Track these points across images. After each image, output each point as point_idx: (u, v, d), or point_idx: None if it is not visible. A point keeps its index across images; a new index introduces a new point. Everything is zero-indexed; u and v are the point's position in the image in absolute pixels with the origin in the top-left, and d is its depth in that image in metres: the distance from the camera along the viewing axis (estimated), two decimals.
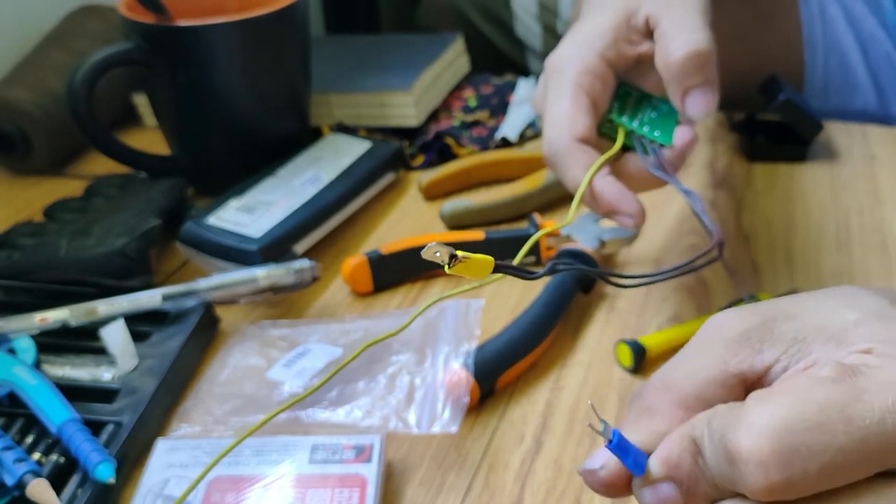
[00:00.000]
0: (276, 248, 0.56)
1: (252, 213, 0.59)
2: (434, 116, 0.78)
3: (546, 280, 0.53)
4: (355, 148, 0.68)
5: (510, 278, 0.56)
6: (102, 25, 0.78)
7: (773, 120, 0.71)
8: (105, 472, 0.40)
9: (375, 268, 0.56)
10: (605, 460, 0.28)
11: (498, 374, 0.47)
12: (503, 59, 0.99)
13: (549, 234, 0.58)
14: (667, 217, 0.64)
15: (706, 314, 0.52)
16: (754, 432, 0.23)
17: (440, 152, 0.73)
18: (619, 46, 0.48)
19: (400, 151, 0.69)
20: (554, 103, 0.47)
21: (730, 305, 0.50)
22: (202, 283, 0.52)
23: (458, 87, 0.83)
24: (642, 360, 0.49)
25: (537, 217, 0.59)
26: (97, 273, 0.53)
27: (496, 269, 0.31)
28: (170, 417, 0.47)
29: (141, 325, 0.51)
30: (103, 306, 0.50)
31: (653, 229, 0.62)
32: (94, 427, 0.43)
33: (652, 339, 0.49)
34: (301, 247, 0.59)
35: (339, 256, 0.61)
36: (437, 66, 0.78)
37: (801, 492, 0.23)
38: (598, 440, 0.44)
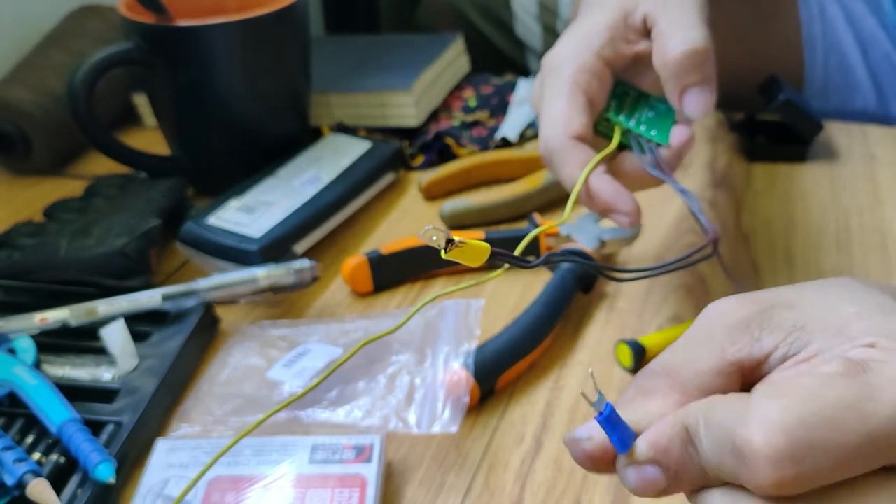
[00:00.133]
0: (276, 248, 0.56)
1: (252, 213, 0.59)
2: (434, 116, 0.78)
3: (546, 280, 0.53)
4: (355, 148, 0.68)
5: (510, 278, 0.57)
6: (102, 25, 0.78)
7: (773, 120, 0.71)
8: (105, 472, 0.40)
9: (375, 268, 0.56)
10: (592, 432, 0.28)
11: (498, 374, 0.47)
12: (503, 59, 0.99)
13: (549, 234, 0.58)
14: (666, 216, 0.64)
15: None
16: (768, 427, 0.23)
17: (440, 152, 0.73)
18: (617, 45, 0.48)
19: (400, 151, 0.69)
20: (551, 102, 0.47)
21: None
22: (202, 283, 0.52)
23: (458, 87, 0.83)
24: (642, 360, 0.49)
25: (537, 217, 0.59)
26: (97, 273, 0.53)
27: (492, 256, 0.31)
28: (170, 417, 0.47)
29: (141, 325, 0.51)
30: (103, 306, 0.50)
31: (652, 229, 0.62)
32: (94, 427, 0.43)
33: (652, 339, 0.49)
34: (301, 247, 0.59)
35: (339, 256, 0.61)
36: (437, 66, 0.78)
37: (808, 487, 0.24)
38: None
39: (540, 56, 0.96)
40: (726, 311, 0.28)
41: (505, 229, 0.62)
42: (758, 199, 0.66)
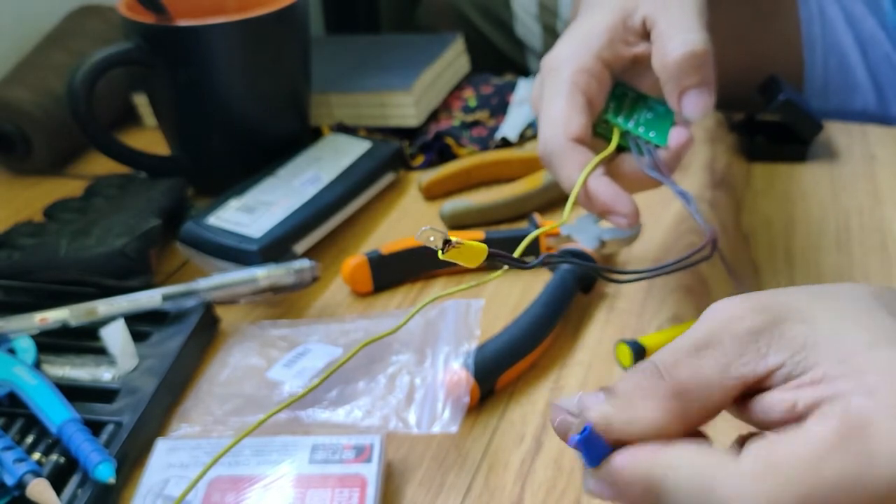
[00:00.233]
0: (276, 248, 0.56)
1: (252, 213, 0.59)
2: (434, 116, 0.78)
3: (546, 280, 0.53)
4: (355, 148, 0.68)
5: (510, 279, 0.57)
6: (102, 25, 0.78)
7: (773, 120, 0.71)
8: (105, 472, 0.40)
9: (375, 268, 0.56)
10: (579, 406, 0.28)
11: (498, 374, 0.47)
12: (503, 59, 0.99)
13: (549, 234, 0.58)
14: (666, 217, 0.64)
15: None
16: None
17: (440, 152, 0.73)
18: (616, 47, 0.48)
19: (400, 151, 0.69)
20: (550, 102, 0.47)
21: None
22: (202, 283, 0.52)
23: (458, 87, 0.83)
24: (642, 360, 0.49)
25: (537, 217, 0.59)
26: (97, 273, 0.53)
27: (489, 257, 0.31)
28: (170, 417, 0.47)
29: (141, 325, 0.51)
30: (103, 306, 0.50)
31: (652, 229, 0.62)
32: (94, 427, 0.43)
33: (652, 339, 0.49)
34: (301, 247, 0.59)
35: (339, 256, 0.61)
36: (437, 66, 0.78)
37: None
38: None
39: (540, 56, 0.96)
40: (736, 314, 0.27)
41: (505, 229, 0.62)
42: (758, 199, 0.66)
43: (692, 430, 0.28)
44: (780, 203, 0.65)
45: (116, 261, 0.53)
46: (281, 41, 0.65)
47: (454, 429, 0.43)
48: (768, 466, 0.24)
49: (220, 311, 0.55)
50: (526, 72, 0.97)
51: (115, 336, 0.48)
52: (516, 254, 0.42)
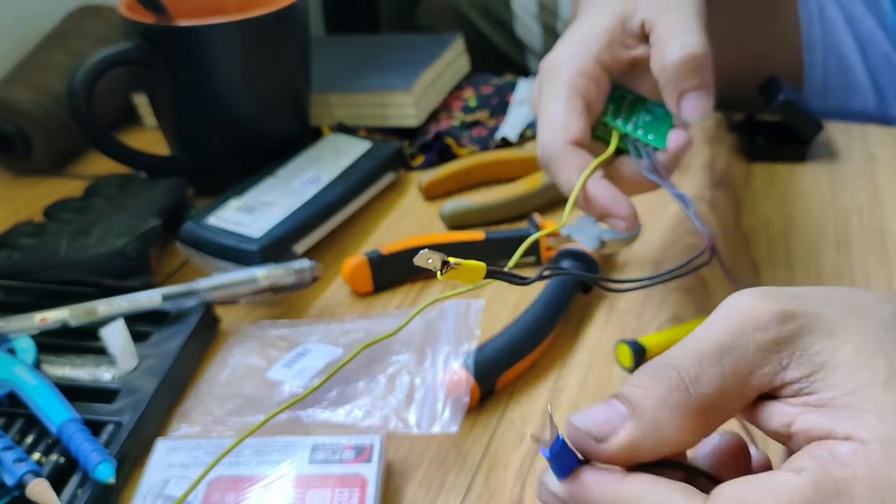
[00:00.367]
0: (276, 248, 0.56)
1: (252, 213, 0.59)
2: (434, 116, 0.78)
3: (546, 280, 0.53)
4: (355, 148, 0.68)
5: None
6: (102, 25, 0.78)
7: (773, 120, 0.71)
8: (105, 472, 0.40)
9: (375, 268, 0.56)
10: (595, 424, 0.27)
11: (498, 374, 0.47)
12: (503, 59, 0.99)
13: (549, 235, 0.58)
14: (666, 217, 0.64)
15: (705, 314, 0.52)
16: None
17: (440, 152, 0.73)
18: (614, 49, 0.48)
19: (400, 151, 0.69)
20: (548, 105, 0.47)
21: None
22: (202, 283, 0.52)
23: (458, 87, 0.83)
24: (642, 360, 0.49)
25: (537, 217, 0.59)
26: (97, 273, 0.53)
27: (488, 275, 0.31)
28: (170, 417, 0.47)
29: (141, 325, 0.51)
30: (103, 306, 0.50)
31: (652, 230, 0.62)
32: (94, 427, 0.43)
33: (652, 339, 0.49)
34: (301, 247, 0.59)
35: (339, 256, 0.61)
36: (437, 66, 0.78)
37: None
38: None
39: (540, 56, 0.96)
40: (762, 325, 0.26)
41: (505, 229, 0.62)
42: (757, 200, 0.66)
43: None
44: (779, 203, 0.65)
45: (116, 261, 0.53)
46: (281, 41, 0.65)
47: (454, 429, 0.43)
48: None
49: (220, 311, 0.55)
50: (526, 72, 0.97)
51: (115, 336, 0.48)
52: (514, 259, 0.42)
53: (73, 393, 0.45)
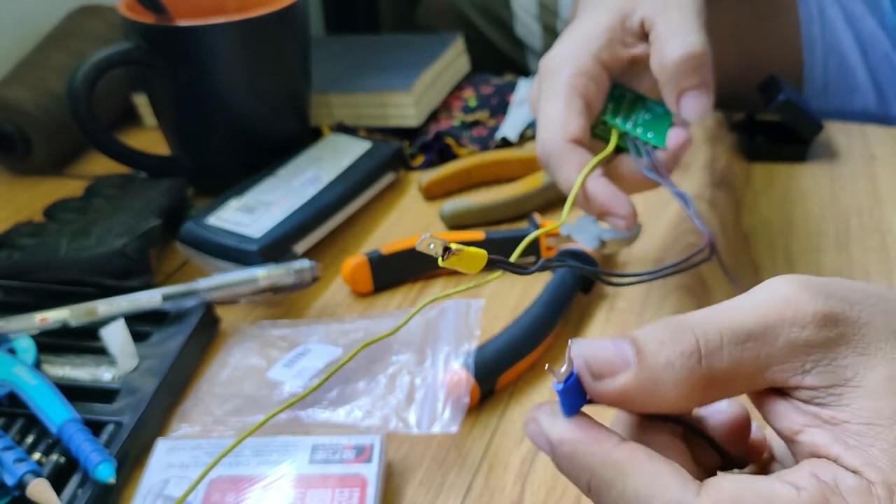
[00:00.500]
0: (276, 248, 0.56)
1: (252, 213, 0.59)
2: (434, 116, 0.78)
3: (546, 280, 0.53)
4: (355, 148, 0.68)
5: (510, 279, 0.57)
6: (102, 25, 0.78)
7: (773, 120, 0.71)
8: (105, 472, 0.40)
9: (375, 268, 0.56)
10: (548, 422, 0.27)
11: (498, 374, 0.47)
12: (503, 59, 0.99)
13: (549, 234, 0.58)
14: (666, 217, 0.64)
15: None
16: None
17: (440, 152, 0.73)
18: (614, 48, 0.48)
19: (400, 151, 0.69)
20: (548, 104, 0.48)
21: None
22: (202, 283, 0.52)
23: (458, 87, 0.83)
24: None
25: (537, 217, 0.59)
26: (97, 273, 0.53)
27: (489, 263, 0.31)
28: (170, 417, 0.47)
29: (141, 325, 0.51)
30: (103, 306, 0.50)
31: (652, 229, 0.62)
32: (95, 427, 0.43)
33: None
34: (301, 247, 0.59)
35: (339, 256, 0.61)
36: (437, 66, 0.78)
37: None
38: None
39: (540, 56, 0.96)
40: (801, 322, 0.25)
41: (505, 229, 0.62)
42: (757, 199, 0.66)
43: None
44: (779, 203, 0.65)
45: (116, 261, 0.53)
46: (281, 41, 0.65)
47: (454, 429, 0.43)
48: None
49: (220, 311, 0.55)
50: (526, 72, 0.97)
51: (115, 336, 0.48)
52: (514, 255, 0.42)
53: (74, 393, 0.45)
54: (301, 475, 0.40)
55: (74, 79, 0.60)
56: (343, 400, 0.46)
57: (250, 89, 0.65)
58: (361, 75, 0.77)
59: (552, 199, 0.65)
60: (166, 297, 0.51)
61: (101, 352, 0.49)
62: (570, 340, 0.27)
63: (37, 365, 0.47)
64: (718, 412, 0.30)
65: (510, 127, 0.76)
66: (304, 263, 0.53)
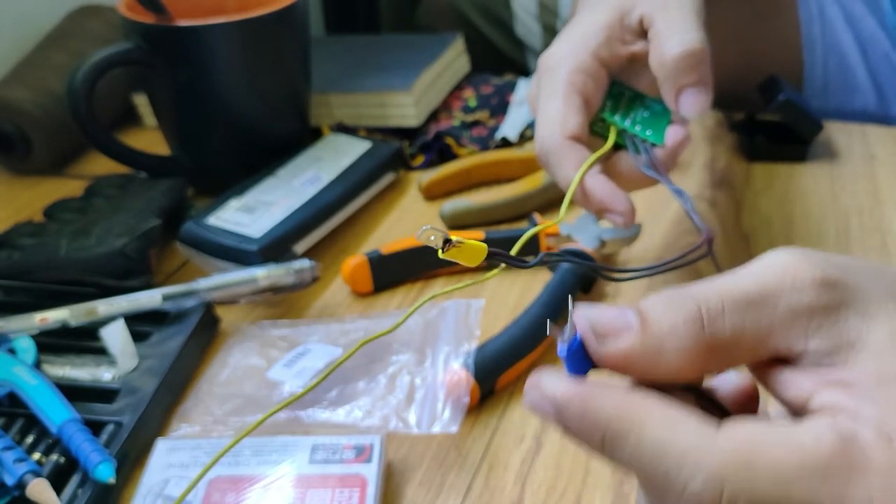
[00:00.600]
0: (276, 248, 0.56)
1: (252, 213, 0.59)
2: (434, 116, 0.78)
3: (546, 280, 0.53)
4: (355, 148, 0.68)
5: (510, 279, 0.57)
6: (102, 25, 0.78)
7: (773, 120, 0.71)
8: (105, 472, 0.40)
9: (375, 268, 0.56)
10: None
11: (498, 374, 0.47)
12: (503, 59, 0.99)
13: (549, 234, 0.58)
14: (666, 217, 0.64)
15: None
16: (716, 483, 0.23)
17: (440, 152, 0.73)
18: (613, 45, 0.48)
19: (400, 151, 0.69)
20: (546, 102, 0.48)
21: None
22: (202, 283, 0.52)
23: (458, 87, 0.83)
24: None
25: (537, 217, 0.59)
26: (97, 273, 0.53)
27: (489, 256, 0.31)
28: (170, 417, 0.47)
29: (141, 325, 0.51)
30: (103, 306, 0.50)
31: (652, 229, 0.62)
32: (95, 427, 0.43)
33: None
34: (301, 247, 0.59)
35: (339, 256, 0.61)
36: (437, 66, 0.78)
37: None
38: None
39: (540, 56, 0.96)
40: (800, 286, 0.25)
41: (505, 229, 0.62)
42: (757, 199, 0.66)
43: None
44: (779, 203, 0.65)
45: (116, 261, 0.53)
46: (281, 41, 0.65)
47: (454, 429, 0.43)
48: (743, 456, 0.23)
49: (220, 311, 0.55)
50: (526, 72, 0.97)
51: (115, 336, 0.48)
52: (513, 251, 0.42)
53: (73, 393, 0.45)
54: (301, 475, 0.40)
55: (74, 79, 0.60)
56: (343, 400, 0.46)
57: (250, 89, 0.65)
58: (361, 75, 0.77)
59: (552, 199, 0.65)
60: (166, 297, 0.51)
61: (101, 352, 0.49)
62: (571, 303, 0.27)
63: (37, 365, 0.47)
64: (726, 382, 0.29)
65: (510, 127, 0.76)
66: (304, 263, 0.53)
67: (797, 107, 0.68)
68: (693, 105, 0.46)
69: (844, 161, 0.71)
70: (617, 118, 0.49)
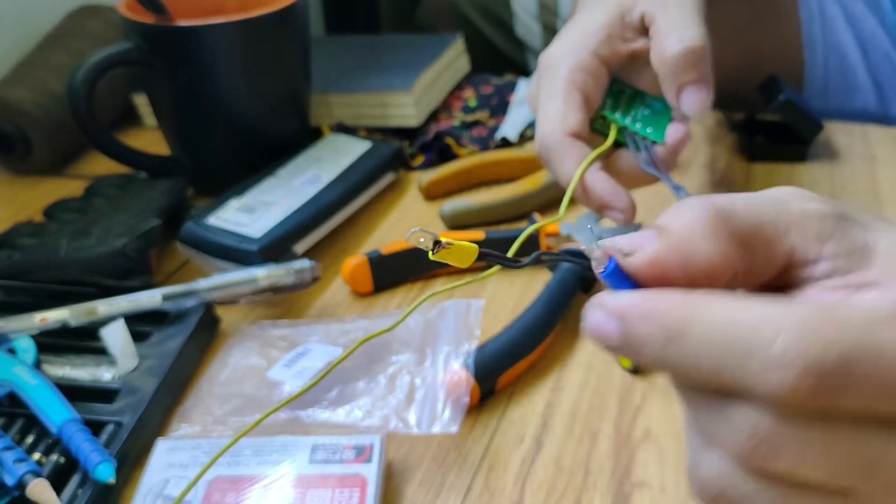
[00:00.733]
0: (276, 248, 0.56)
1: (252, 213, 0.59)
2: (434, 116, 0.78)
3: (546, 280, 0.53)
4: (355, 148, 0.68)
5: (510, 279, 0.57)
6: (102, 25, 0.78)
7: (773, 120, 0.71)
8: (105, 472, 0.40)
9: (375, 268, 0.56)
10: (633, 245, 0.25)
11: (498, 374, 0.47)
12: (503, 59, 0.99)
13: (549, 234, 0.58)
14: None
15: None
16: (805, 337, 0.21)
17: (440, 152, 0.73)
18: (613, 43, 0.48)
19: (400, 151, 0.69)
20: (547, 100, 0.48)
21: None
22: (202, 283, 0.52)
23: (458, 87, 0.83)
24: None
25: (537, 217, 0.59)
26: (97, 273, 0.53)
27: (480, 257, 0.30)
28: (170, 417, 0.47)
29: (141, 325, 0.51)
30: (103, 306, 0.50)
31: None
32: (95, 427, 0.43)
33: None
34: (301, 247, 0.59)
35: (339, 256, 0.61)
36: (437, 66, 0.78)
37: (818, 407, 0.21)
38: (599, 441, 0.44)
39: (540, 55, 0.96)
40: (808, 196, 0.25)
41: (505, 229, 0.62)
42: None
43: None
44: None
45: (116, 261, 0.53)
46: (281, 41, 0.65)
47: (454, 429, 0.43)
48: (825, 311, 0.22)
49: (220, 311, 0.55)
50: (526, 72, 0.97)
51: (115, 336, 0.48)
52: (512, 250, 0.42)
53: (73, 393, 0.45)
54: (301, 475, 0.40)
55: (74, 79, 0.60)
56: (343, 400, 0.46)
57: (250, 89, 0.65)
58: (361, 75, 0.77)
59: (552, 199, 0.65)
60: (166, 297, 0.51)
61: (101, 352, 0.49)
62: (593, 226, 0.27)
63: (37, 365, 0.47)
64: None
65: (510, 127, 0.76)
66: (304, 263, 0.53)
67: (797, 107, 0.68)
68: (694, 102, 0.46)
69: (845, 161, 0.71)
70: (617, 116, 0.49)
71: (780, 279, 0.26)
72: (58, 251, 0.54)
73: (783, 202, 0.26)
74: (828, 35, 0.79)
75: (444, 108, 0.79)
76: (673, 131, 0.48)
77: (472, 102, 0.80)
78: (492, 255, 0.31)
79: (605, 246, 0.26)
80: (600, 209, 0.47)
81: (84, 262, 0.53)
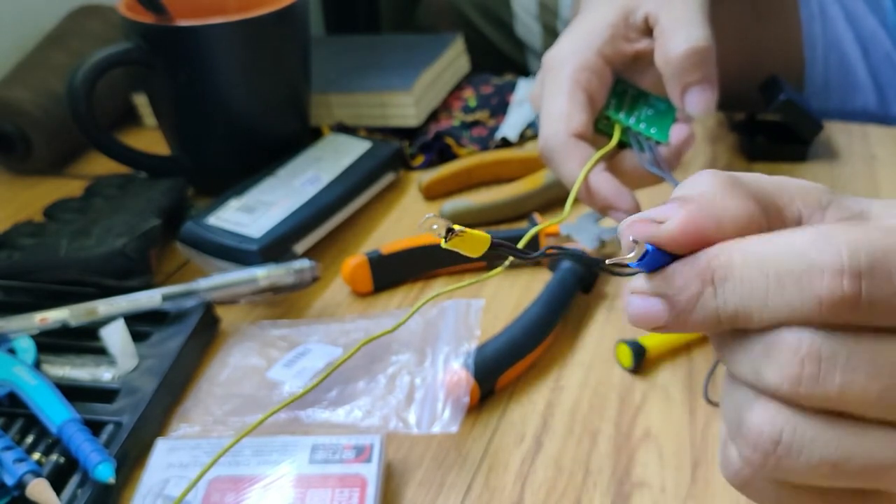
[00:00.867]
0: (276, 248, 0.56)
1: (252, 213, 0.59)
2: (434, 116, 0.78)
3: (546, 280, 0.53)
4: (355, 148, 0.68)
5: (510, 279, 0.57)
6: (102, 25, 0.78)
7: (774, 120, 0.71)
8: (105, 472, 0.40)
9: (375, 268, 0.56)
10: (667, 215, 0.25)
11: (498, 374, 0.47)
12: (503, 59, 0.99)
13: (549, 234, 0.58)
14: None
15: None
16: (850, 245, 0.22)
17: (440, 152, 0.73)
18: (617, 43, 0.48)
19: (400, 151, 0.69)
20: (550, 100, 0.48)
21: None
22: (202, 283, 0.52)
23: (458, 87, 0.83)
24: (642, 360, 0.49)
25: (537, 217, 0.59)
26: (97, 273, 0.53)
27: (492, 246, 0.31)
28: (170, 417, 0.47)
29: (141, 325, 0.51)
30: (103, 306, 0.50)
31: None
32: (94, 427, 0.43)
33: (652, 339, 0.49)
34: (301, 247, 0.59)
35: (339, 256, 0.61)
36: (437, 66, 0.78)
37: (866, 317, 0.22)
38: (599, 441, 0.44)
39: (540, 56, 0.96)
40: (795, 177, 0.26)
41: (505, 229, 0.62)
42: None
43: None
44: None
45: (116, 261, 0.53)
46: (281, 41, 0.65)
47: (454, 429, 0.43)
48: (861, 224, 0.23)
49: (220, 311, 0.55)
50: (526, 72, 0.97)
51: (115, 336, 0.48)
52: (520, 245, 0.42)
53: (73, 393, 0.45)
54: (301, 475, 0.40)
55: (74, 79, 0.60)
56: (343, 400, 0.46)
57: (250, 89, 0.65)
58: (361, 75, 0.77)
59: (552, 199, 0.65)
60: (166, 297, 0.51)
61: (101, 352, 0.49)
62: (621, 225, 0.27)
63: (37, 365, 0.47)
64: None
65: (510, 127, 0.76)
66: (304, 263, 0.53)
67: (798, 107, 0.68)
68: (699, 103, 0.46)
69: (845, 161, 0.71)
70: (621, 116, 0.49)
71: None
72: (58, 251, 0.54)
73: (781, 179, 0.26)
74: (828, 34, 0.79)
75: (444, 108, 0.79)
76: (677, 132, 0.48)
77: (472, 102, 0.80)
78: (503, 245, 0.31)
79: (636, 220, 0.26)
80: (604, 210, 0.47)
81: (84, 262, 0.53)
